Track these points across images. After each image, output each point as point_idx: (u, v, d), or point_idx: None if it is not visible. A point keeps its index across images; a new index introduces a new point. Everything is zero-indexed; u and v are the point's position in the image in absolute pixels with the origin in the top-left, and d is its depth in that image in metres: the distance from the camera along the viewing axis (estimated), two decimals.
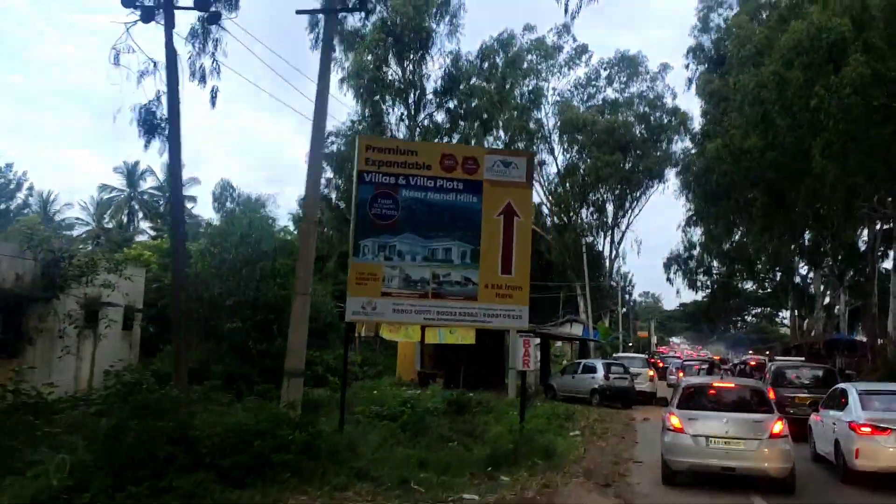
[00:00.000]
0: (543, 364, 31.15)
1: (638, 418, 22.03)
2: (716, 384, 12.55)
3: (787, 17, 25.43)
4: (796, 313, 56.53)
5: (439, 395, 18.91)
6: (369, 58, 42.06)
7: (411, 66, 44.45)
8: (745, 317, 78.31)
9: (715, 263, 63.40)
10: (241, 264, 20.46)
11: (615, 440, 16.54)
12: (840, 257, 40.11)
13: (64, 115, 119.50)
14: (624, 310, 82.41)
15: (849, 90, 21.86)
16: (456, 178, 13.00)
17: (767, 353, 56.72)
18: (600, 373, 24.76)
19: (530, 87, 56.65)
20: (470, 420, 15.64)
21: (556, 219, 58.20)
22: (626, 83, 58.42)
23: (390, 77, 43.88)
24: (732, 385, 12.90)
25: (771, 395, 13.18)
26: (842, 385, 14.30)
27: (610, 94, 58.72)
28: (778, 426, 10.73)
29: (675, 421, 10.96)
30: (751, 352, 68.74)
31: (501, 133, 58.06)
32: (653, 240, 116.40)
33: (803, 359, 34.04)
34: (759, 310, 75.87)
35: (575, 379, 25.61)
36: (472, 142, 44.51)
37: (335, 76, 40.13)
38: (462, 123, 46.46)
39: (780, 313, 70.93)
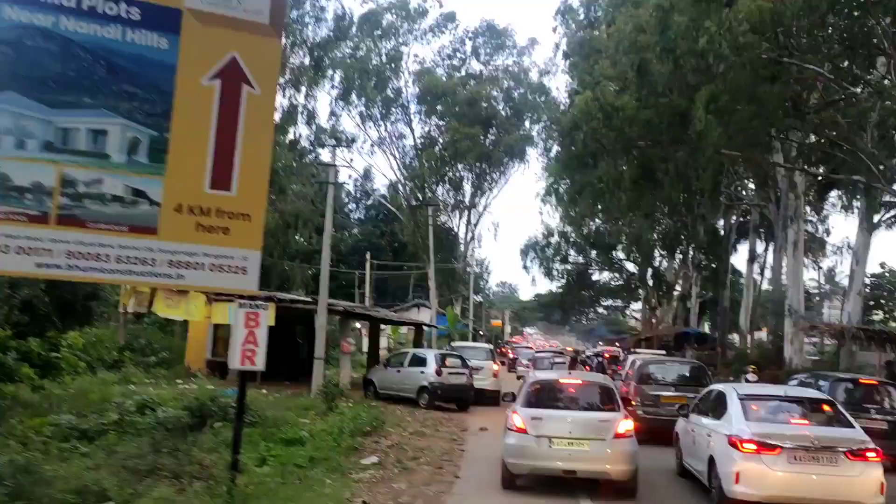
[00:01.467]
0: (372, 353, 25.19)
1: (472, 428, 16.52)
2: (563, 380, 11.39)
3: None
4: (649, 305, 54.08)
5: (219, 394, 12.54)
6: None
7: None
8: (598, 308, 76.29)
9: (572, 252, 60.51)
10: None
11: (427, 473, 10.78)
12: (693, 246, 37.23)
13: None
14: (479, 298, 78.45)
15: (744, 27, 17.38)
16: None
17: (617, 344, 54.15)
18: (431, 366, 19.05)
19: (388, 49, 50.64)
20: (191, 447, 9.28)
21: (410, 195, 52.52)
22: (491, 55, 53.72)
23: None
24: (580, 381, 11.52)
25: (631, 392, 12.83)
26: (718, 387, 11.70)
27: (475, 66, 53.99)
28: (623, 425, 10.01)
29: (517, 421, 10.12)
30: (601, 343, 66.42)
31: (355, 97, 51.90)
32: (512, 228, 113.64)
33: (664, 352, 30.39)
34: (610, 301, 74.02)
35: (400, 374, 19.76)
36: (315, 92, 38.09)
37: None
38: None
39: (631, 305, 69.16)
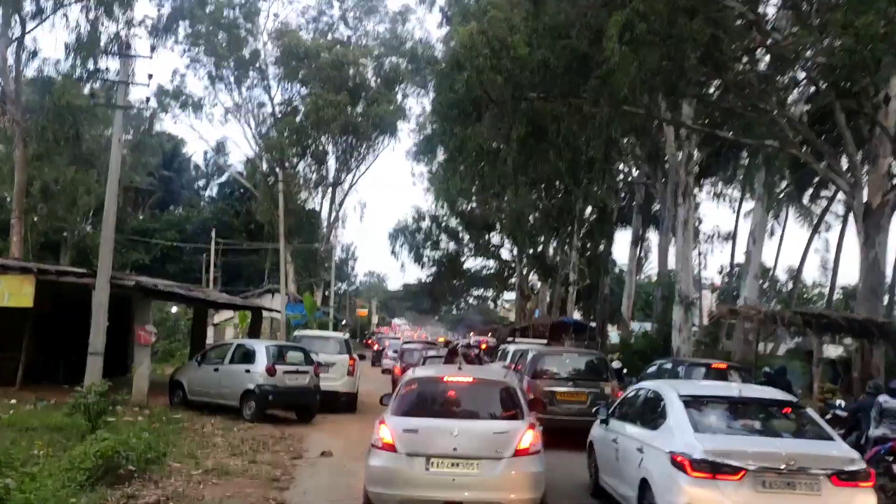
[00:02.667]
0: (197, 347, 19.32)
1: (312, 451, 11.38)
2: (449, 378, 8.11)
3: None
4: (522, 293, 50.74)
5: None
6: None
7: None
8: (468, 298, 72.72)
9: (444, 238, 56.29)
10: None
11: None
12: (575, 227, 33.81)
13: None
14: (344, 285, 72.84)
15: None
16: None
17: (490, 334, 50.55)
18: (261, 363, 13.54)
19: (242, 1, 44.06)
20: None
21: (267, 170, 46.17)
22: (361, 20, 48.28)
23: None
24: (471, 379, 8.11)
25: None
26: (650, 385, 9.16)
27: (344, 32, 48.35)
28: (528, 438, 7.34)
29: (385, 434, 7.31)
30: (471, 333, 62.76)
31: (203, 55, 44.83)
32: (382, 215, 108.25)
33: (545, 342, 26.55)
34: (481, 290, 70.65)
35: (219, 373, 14.10)
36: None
37: None
38: None
39: (503, 294, 66.12)
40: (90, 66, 22.84)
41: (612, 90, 17.59)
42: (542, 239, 29.56)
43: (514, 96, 19.10)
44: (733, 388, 8.92)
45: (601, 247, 33.38)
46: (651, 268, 45.35)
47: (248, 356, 13.97)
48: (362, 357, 17.82)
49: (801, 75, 21.53)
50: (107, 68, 21.82)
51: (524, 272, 49.33)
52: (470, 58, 17.92)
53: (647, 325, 51.51)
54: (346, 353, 16.18)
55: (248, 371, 13.59)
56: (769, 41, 17.74)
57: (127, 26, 22.04)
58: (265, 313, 35.29)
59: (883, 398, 9.98)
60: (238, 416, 13.63)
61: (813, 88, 23.10)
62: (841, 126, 18.16)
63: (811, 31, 15.90)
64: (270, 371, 13.47)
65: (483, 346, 28.05)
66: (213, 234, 40.99)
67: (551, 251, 32.17)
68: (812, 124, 20.22)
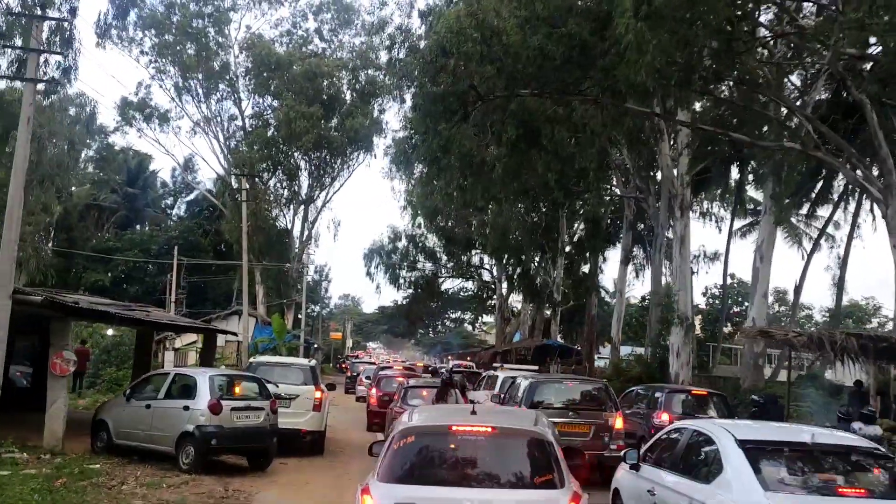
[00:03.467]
0: (140, 374, 16.28)
1: None
2: (459, 428, 5.62)
3: None
4: (502, 316, 48.12)
5: None
6: None
7: None
8: (445, 321, 69.92)
9: (421, 258, 53.63)
10: None
11: None
12: (563, 242, 31.30)
13: None
14: (317, 308, 69.70)
15: None
16: None
17: (469, 359, 47.76)
18: (203, 398, 10.62)
19: (212, 10, 41.45)
20: None
21: (236, 185, 43.28)
22: (336, 32, 45.85)
23: None
24: (490, 429, 5.63)
25: None
26: (697, 425, 7.11)
27: (319, 44, 45.83)
28: None
29: None
30: (449, 358, 59.90)
31: (171, 68, 42.09)
32: (356, 235, 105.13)
33: (536, 367, 24.00)
34: (458, 313, 67.89)
35: (152, 411, 11.23)
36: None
37: None
38: None
39: (482, 317, 63.52)
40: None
41: (617, 83, 15.35)
42: (526, 257, 27.04)
43: (507, 91, 16.67)
44: (804, 432, 6.65)
45: (588, 265, 30.95)
46: (635, 289, 43.07)
47: (187, 390, 11.09)
48: (331, 387, 15.06)
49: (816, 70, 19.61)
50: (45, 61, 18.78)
51: (504, 293, 46.79)
52: (457, 43, 15.47)
53: (630, 349, 49.05)
54: (312, 384, 13.35)
55: (186, 408, 10.72)
56: (793, 28, 15.61)
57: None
58: (231, 337, 32.27)
59: None
60: (174, 464, 10.75)
61: (828, 85, 21.20)
62: (873, 126, 16.00)
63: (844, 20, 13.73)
64: (215, 408, 10.63)
65: (463, 368, 25.34)
66: (176, 251, 37.78)
67: (534, 270, 29.65)
68: (832, 126, 18.06)
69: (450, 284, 55.35)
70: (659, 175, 26.95)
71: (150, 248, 44.71)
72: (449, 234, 30.82)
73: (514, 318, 51.15)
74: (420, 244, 50.55)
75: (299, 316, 42.63)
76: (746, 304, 40.36)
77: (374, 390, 19.49)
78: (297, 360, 15.82)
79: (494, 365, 22.54)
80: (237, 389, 11.55)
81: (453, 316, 70.35)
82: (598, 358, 39.73)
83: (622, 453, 8.42)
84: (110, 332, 24.04)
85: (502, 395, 15.16)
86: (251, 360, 15.81)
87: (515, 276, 28.25)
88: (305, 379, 13.35)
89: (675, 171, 23.88)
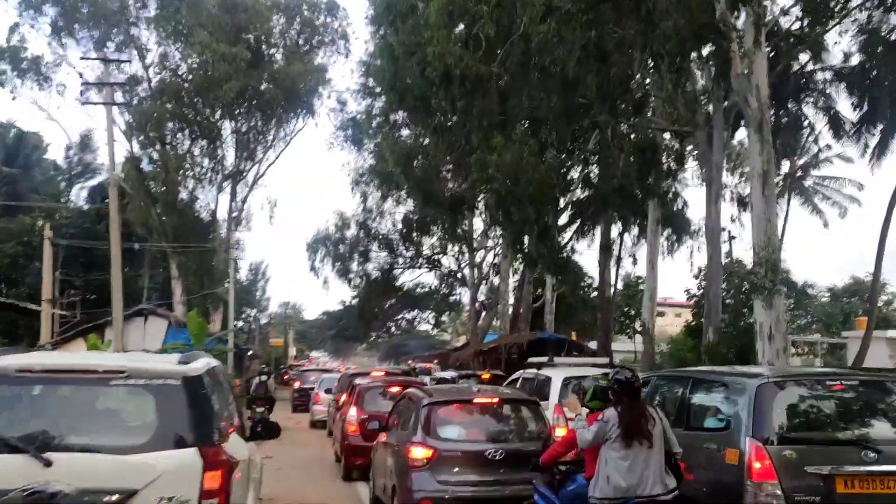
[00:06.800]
0: None
1: None
2: None
3: None
4: (475, 307, 39.61)
5: None
6: None
7: None
8: (401, 322, 60.87)
9: (375, 247, 44.67)
10: None
11: None
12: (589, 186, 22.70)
13: None
14: (253, 312, 59.78)
15: None
16: None
17: (436, 361, 39.13)
18: None
19: None
20: None
21: (140, 153, 33.41)
22: None
23: None
24: None
25: None
26: None
27: None
28: None
29: None
30: (410, 362, 50.86)
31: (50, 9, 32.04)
32: (296, 228, 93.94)
33: (607, 359, 15.48)
34: (416, 312, 58.97)
35: None
36: None
37: None
38: None
39: (447, 314, 55.03)
40: None
41: None
42: (542, 212, 18.55)
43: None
44: None
45: (616, 223, 22.69)
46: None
47: None
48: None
49: None
50: None
51: (478, 276, 38.35)
52: None
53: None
54: (196, 437, 4.11)
55: None
56: None
57: None
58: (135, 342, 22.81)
59: None
60: None
61: None
62: None
63: None
64: None
65: (486, 376, 16.58)
66: (48, 230, 27.80)
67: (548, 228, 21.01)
68: None
69: (408, 277, 46.55)
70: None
71: (31, 241, 34.30)
72: (428, 188, 22.14)
73: (486, 312, 42.95)
74: (373, 232, 41.85)
75: (229, 316, 33.07)
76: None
77: (352, 411, 10.60)
78: (140, 362, 5.31)
79: (534, 361, 13.72)
80: None
81: (408, 316, 61.51)
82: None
83: None
84: None
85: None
86: None
87: (527, 240, 19.78)
88: (166, 423, 4.17)
89: (750, 82, 15.70)
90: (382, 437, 8.26)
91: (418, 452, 6.50)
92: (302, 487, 9.40)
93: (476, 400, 7.41)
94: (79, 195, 43.03)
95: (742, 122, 19.27)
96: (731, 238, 29.70)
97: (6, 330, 33.47)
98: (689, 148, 22.80)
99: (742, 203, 26.84)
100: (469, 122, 18.13)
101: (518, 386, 11.96)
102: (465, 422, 7.17)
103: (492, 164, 18.10)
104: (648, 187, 18.05)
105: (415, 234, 40.56)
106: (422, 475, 6.34)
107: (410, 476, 6.41)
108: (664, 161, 21.92)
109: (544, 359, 12.90)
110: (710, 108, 19.65)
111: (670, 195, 23.73)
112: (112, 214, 12.93)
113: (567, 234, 26.56)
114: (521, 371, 13.28)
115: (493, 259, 39.83)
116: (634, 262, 31.00)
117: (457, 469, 6.46)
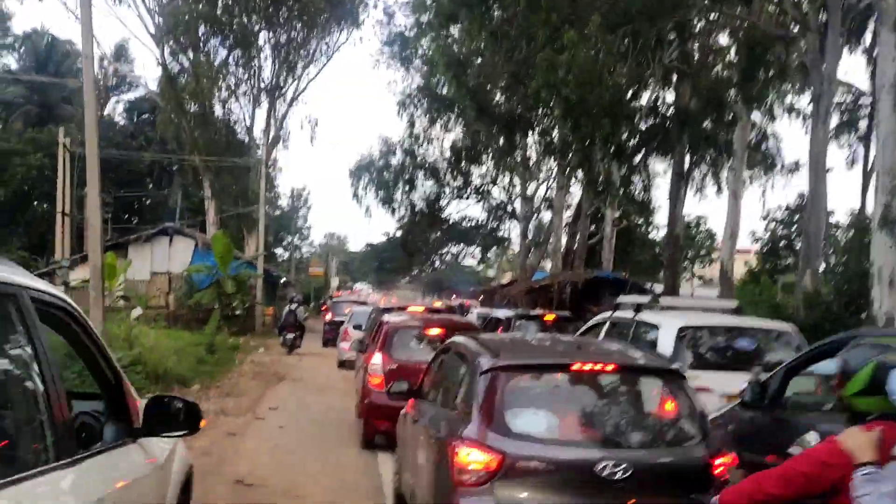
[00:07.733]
0: None
1: None
2: None
3: None
4: (526, 241, 36.70)
5: None
6: None
7: None
8: (445, 256, 58.39)
9: (420, 176, 41.82)
10: None
11: None
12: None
13: None
14: (295, 238, 58.06)
15: None
16: None
17: (480, 298, 36.66)
18: None
19: None
20: None
21: (171, 60, 30.85)
22: None
23: None
24: None
25: None
26: None
27: None
28: None
29: None
30: (454, 297, 48.53)
31: None
32: (341, 149, 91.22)
33: (734, 305, 11.99)
34: (462, 246, 56.33)
35: None
36: None
37: None
38: None
39: (493, 249, 52.27)
40: None
41: None
42: (611, 132, 15.19)
43: None
44: None
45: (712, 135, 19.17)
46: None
47: None
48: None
49: None
50: None
51: (529, 212, 35.33)
52: None
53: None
54: None
55: None
56: None
57: None
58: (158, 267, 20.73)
59: None
60: None
61: None
62: None
63: None
64: None
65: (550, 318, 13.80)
66: (62, 135, 25.79)
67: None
68: None
69: (454, 209, 43.68)
70: None
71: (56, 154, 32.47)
72: (482, 100, 18.96)
73: (536, 249, 39.96)
74: (419, 158, 38.96)
75: (259, 239, 30.77)
76: None
77: (376, 357, 8.00)
78: None
79: (625, 300, 10.03)
80: None
81: (453, 250, 58.93)
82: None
83: None
84: None
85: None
86: None
87: (602, 158, 16.64)
88: None
89: None
90: (411, 406, 5.53)
91: (474, 458, 3.71)
92: (304, 458, 6.90)
93: (577, 366, 4.19)
94: (114, 109, 41.02)
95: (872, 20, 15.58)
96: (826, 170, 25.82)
97: (37, 245, 32.11)
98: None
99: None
100: (535, 16, 14.90)
101: (603, 335, 8.85)
102: (557, 406, 4.12)
103: (561, 66, 14.91)
104: (751, 96, 14.54)
105: (463, 163, 37.47)
106: (478, 501, 3.62)
107: (458, 499, 3.69)
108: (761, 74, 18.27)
109: (636, 297, 9.50)
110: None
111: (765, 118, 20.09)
112: (87, 97, 10.14)
113: (636, 160, 23.17)
114: (608, 312, 9.68)
115: (546, 193, 36.68)
116: (718, 191, 27.01)
117: (543, 493, 3.69)
